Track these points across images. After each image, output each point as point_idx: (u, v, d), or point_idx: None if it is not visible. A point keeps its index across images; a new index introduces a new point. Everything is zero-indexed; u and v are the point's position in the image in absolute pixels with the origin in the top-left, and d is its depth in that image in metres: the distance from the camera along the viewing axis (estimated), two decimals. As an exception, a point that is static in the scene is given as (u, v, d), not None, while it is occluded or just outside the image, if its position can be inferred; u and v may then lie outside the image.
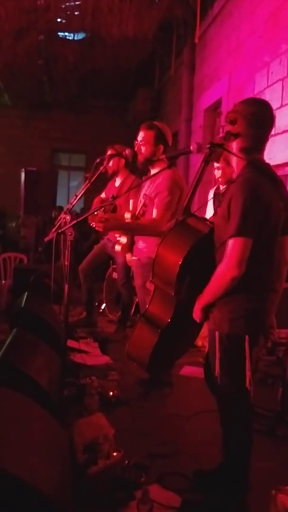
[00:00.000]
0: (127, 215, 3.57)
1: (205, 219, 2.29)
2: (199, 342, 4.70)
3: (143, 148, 3.33)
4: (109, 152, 4.34)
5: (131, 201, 3.91)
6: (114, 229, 3.83)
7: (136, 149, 3.39)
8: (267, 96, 5.09)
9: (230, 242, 1.90)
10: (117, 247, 3.78)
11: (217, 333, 2.05)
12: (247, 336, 2.00)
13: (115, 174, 4.79)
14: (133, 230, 3.54)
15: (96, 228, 3.40)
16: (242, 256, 1.89)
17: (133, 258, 3.56)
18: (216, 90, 6.97)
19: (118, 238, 3.79)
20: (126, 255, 3.82)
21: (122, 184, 4.67)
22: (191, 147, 2.71)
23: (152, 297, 2.18)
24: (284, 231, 2.03)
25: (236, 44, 6.21)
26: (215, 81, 7.06)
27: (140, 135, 3.34)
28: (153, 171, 3.35)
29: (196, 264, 2.07)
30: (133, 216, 3.50)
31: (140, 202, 3.48)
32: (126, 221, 3.56)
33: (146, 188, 3.43)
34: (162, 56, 10.09)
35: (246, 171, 2.05)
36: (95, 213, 3.31)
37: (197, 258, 2.07)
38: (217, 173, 4.35)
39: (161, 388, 3.54)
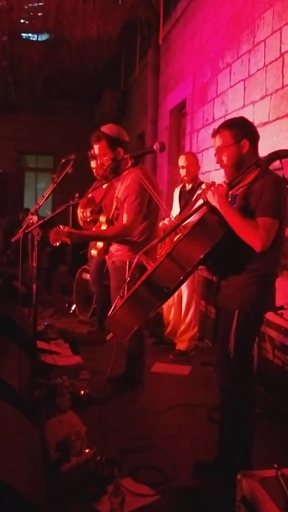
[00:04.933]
0: (102, 219, 3.58)
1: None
2: (172, 338, 4.77)
3: (104, 159, 3.32)
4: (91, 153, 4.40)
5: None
6: (82, 240, 3.83)
7: (99, 164, 3.38)
8: (229, 97, 5.21)
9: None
10: (93, 252, 3.78)
11: (237, 312, 2.19)
12: (263, 314, 2.28)
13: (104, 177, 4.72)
14: (101, 239, 3.55)
15: (66, 242, 3.39)
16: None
17: (108, 261, 3.58)
18: (181, 91, 7.08)
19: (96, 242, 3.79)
20: (105, 257, 3.81)
21: (108, 187, 4.58)
22: (155, 147, 2.77)
23: (161, 264, 2.18)
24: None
25: (199, 45, 6.32)
26: (179, 82, 7.16)
27: (95, 149, 3.33)
28: (123, 172, 3.34)
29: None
30: (107, 219, 3.52)
31: (113, 205, 3.49)
32: (102, 226, 3.57)
33: (117, 191, 3.43)
34: (127, 57, 10.16)
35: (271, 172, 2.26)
36: (61, 227, 3.26)
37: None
38: (182, 172, 4.43)
39: (132, 386, 3.58)
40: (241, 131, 2.25)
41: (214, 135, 2.32)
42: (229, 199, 2.21)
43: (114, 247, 3.43)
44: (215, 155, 2.34)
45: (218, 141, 2.29)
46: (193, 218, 2.36)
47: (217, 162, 2.34)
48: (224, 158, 2.27)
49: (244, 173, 2.22)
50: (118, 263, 3.37)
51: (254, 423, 2.31)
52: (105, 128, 3.31)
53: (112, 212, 3.48)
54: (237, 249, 2.14)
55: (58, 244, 3.24)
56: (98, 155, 3.33)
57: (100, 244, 3.67)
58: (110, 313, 2.35)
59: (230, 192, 2.23)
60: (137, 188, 3.18)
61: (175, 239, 2.28)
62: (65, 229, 3.17)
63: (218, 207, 2.15)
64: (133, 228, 3.21)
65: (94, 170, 4.82)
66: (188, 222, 2.44)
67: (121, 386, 3.54)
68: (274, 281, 2.30)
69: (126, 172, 3.24)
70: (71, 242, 3.38)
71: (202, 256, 2.11)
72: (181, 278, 2.19)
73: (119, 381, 3.59)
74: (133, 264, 2.56)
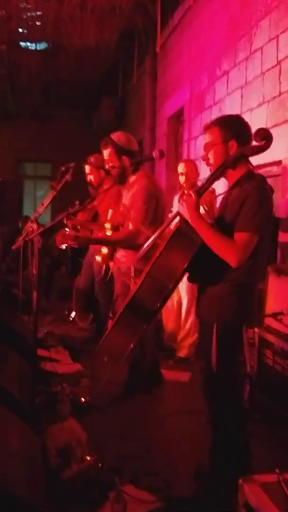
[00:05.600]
0: (107, 225, 3.59)
1: None
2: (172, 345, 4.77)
3: (110, 165, 3.37)
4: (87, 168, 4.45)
5: (110, 211, 3.94)
6: (88, 243, 3.85)
7: (107, 168, 3.43)
8: (227, 104, 5.25)
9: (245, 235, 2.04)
10: (98, 258, 3.78)
11: (215, 325, 2.14)
12: (244, 325, 2.20)
13: (99, 186, 4.75)
14: (107, 243, 3.56)
15: (72, 246, 3.40)
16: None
17: (113, 267, 3.58)
18: (178, 98, 7.11)
19: (101, 248, 3.80)
20: (109, 263, 3.82)
21: (106, 192, 4.61)
22: (154, 154, 2.80)
23: (142, 284, 2.17)
24: None
25: (196, 53, 6.36)
26: (177, 89, 7.20)
27: (105, 155, 3.38)
28: (129, 180, 3.38)
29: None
30: (113, 226, 3.53)
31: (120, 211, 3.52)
32: (107, 232, 3.60)
33: (124, 198, 3.47)
34: (124, 65, 10.21)
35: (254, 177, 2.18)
36: (67, 231, 3.29)
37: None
38: (181, 179, 4.45)
39: (133, 392, 3.58)
40: (232, 131, 2.16)
41: (205, 130, 2.25)
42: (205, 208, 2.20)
43: (119, 253, 3.44)
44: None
45: (207, 137, 2.23)
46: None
47: (203, 159, 2.29)
48: (210, 156, 2.21)
49: (211, 179, 2.15)
50: (124, 269, 3.38)
51: (245, 430, 2.29)
52: (114, 135, 3.35)
53: (118, 219, 3.51)
54: (212, 258, 2.08)
55: (64, 247, 3.28)
56: (105, 161, 3.38)
57: (104, 250, 3.67)
58: (102, 338, 2.36)
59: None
60: (144, 195, 3.22)
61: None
62: (72, 233, 3.19)
63: (189, 220, 2.10)
64: (138, 235, 3.22)
65: (88, 178, 4.84)
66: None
67: (122, 393, 3.55)
68: (253, 291, 2.21)
69: (133, 180, 3.28)
70: (78, 246, 3.40)
71: (183, 268, 2.08)
72: (166, 294, 2.17)
73: (120, 387, 3.59)
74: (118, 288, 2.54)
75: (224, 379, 2.19)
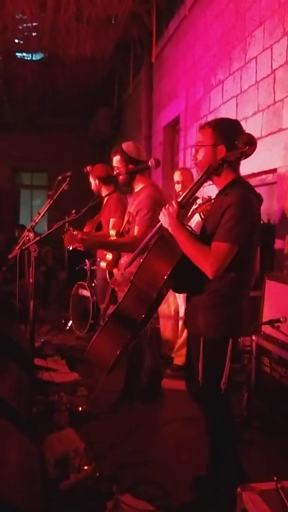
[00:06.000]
0: (112, 232, 3.62)
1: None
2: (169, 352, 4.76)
3: (117, 172, 3.43)
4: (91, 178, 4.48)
5: (111, 220, 3.95)
6: (94, 247, 3.87)
7: (115, 174, 3.49)
8: (222, 113, 5.28)
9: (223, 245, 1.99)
10: (102, 264, 3.80)
11: (202, 339, 2.12)
12: (230, 339, 2.10)
13: (99, 194, 4.76)
14: (113, 247, 3.59)
15: (78, 248, 3.42)
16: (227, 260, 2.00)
17: (117, 273, 3.60)
18: (174, 108, 7.16)
19: (105, 254, 3.82)
20: (113, 270, 3.83)
21: (106, 201, 4.57)
22: (150, 163, 2.82)
23: (127, 294, 2.17)
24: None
25: (192, 63, 6.41)
26: (172, 99, 7.25)
27: (114, 161, 3.45)
28: (136, 189, 3.44)
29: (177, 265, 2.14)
30: (118, 233, 3.56)
31: (125, 219, 3.55)
32: (110, 238, 3.62)
33: (130, 206, 3.51)
34: (120, 75, 10.27)
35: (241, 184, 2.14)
36: (74, 232, 3.31)
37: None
38: (177, 187, 4.48)
39: (131, 400, 3.57)
40: (224, 135, 2.10)
41: (199, 129, 2.21)
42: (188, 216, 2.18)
43: (124, 259, 3.46)
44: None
45: (199, 137, 2.19)
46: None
47: (192, 157, 2.25)
48: (198, 157, 2.17)
49: (195, 187, 2.13)
50: (127, 274, 3.39)
51: (233, 440, 2.30)
52: (124, 145, 3.44)
53: (123, 226, 3.53)
54: (196, 268, 2.04)
55: (71, 248, 3.29)
56: (114, 167, 3.46)
57: (109, 256, 3.70)
58: (88, 346, 2.36)
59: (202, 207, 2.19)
60: (150, 203, 3.29)
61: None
62: (78, 235, 3.22)
63: (169, 229, 2.09)
64: (143, 241, 3.25)
65: (94, 191, 4.85)
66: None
67: (118, 402, 3.54)
68: (239, 303, 2.14)
69: (139, 189, 3.35)
70: (84, 249, 3.43)
71: (166, 277, 2.06)
72: (151, 305, 2.16)
73: (117, 396, 3.58)
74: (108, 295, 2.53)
75: (209, 392, 2.17)
